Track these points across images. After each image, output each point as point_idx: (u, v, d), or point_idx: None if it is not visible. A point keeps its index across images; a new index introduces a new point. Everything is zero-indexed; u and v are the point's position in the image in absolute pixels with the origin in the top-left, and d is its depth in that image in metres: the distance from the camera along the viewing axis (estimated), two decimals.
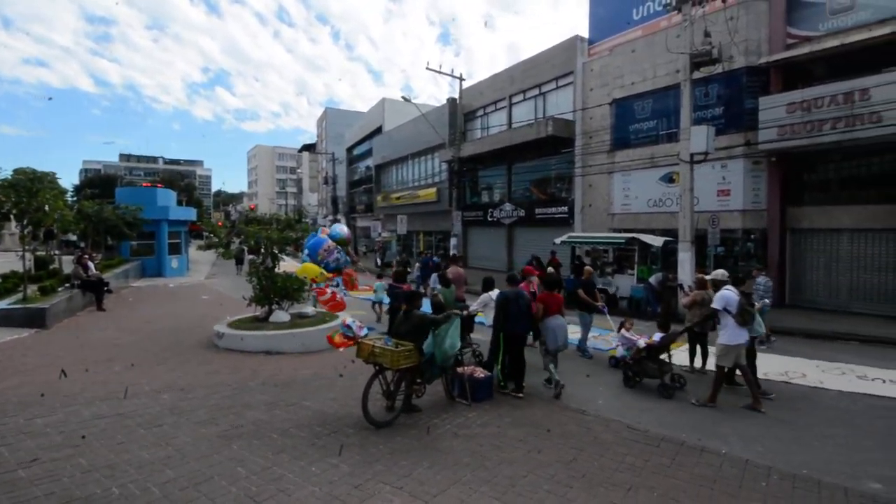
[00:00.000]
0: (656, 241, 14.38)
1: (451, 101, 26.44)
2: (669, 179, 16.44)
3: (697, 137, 12.88)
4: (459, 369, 6.33)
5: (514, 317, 6.57)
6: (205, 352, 9.23)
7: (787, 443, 5.22)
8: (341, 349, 5.93)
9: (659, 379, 6.84)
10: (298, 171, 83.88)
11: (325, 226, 7.84)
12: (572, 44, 20.92)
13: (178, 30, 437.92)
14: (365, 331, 5.73)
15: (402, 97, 23.08)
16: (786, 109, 13.65)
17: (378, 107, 40.44)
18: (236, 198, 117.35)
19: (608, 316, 8.90)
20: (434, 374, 5.91)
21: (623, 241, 14.56)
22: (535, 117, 22.35)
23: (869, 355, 9.27)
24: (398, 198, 33.03)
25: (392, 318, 9.67)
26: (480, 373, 6.42)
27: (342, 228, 7.11)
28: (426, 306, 6.80)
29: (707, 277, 7.61)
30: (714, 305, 6.51)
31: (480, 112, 26.23)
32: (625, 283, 14.35)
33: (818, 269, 14.12)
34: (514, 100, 23.87)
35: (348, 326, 5.69)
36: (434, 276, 10.37)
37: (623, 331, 7.63)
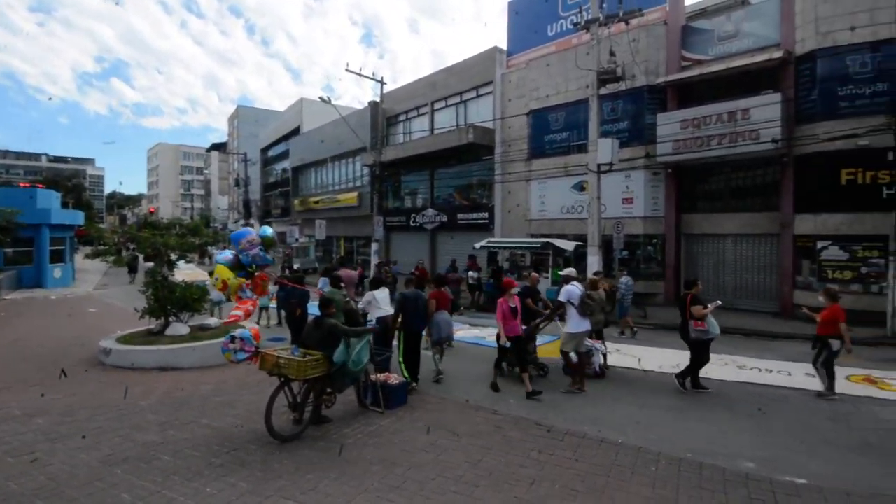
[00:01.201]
0: (569, 245, 15.28)
1: (373, 104, 26.28)
2: (580, 188, 17.52)
3: (603, 149, 13.87)
4: (373, 377, 6.27)
5: (412, 315, 7.27)
6: (89, 370, 8.36)
7: (676, 430, 5.75)
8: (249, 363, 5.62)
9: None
10: (206, 171, 78.84)
11: (237, 228, 7.71)
12: (492, 55, 21.71)
13: (69, 14, 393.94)
14: (247, 338, 5.43)
15: (320, 98, 22.50)
16: (680, 125, 15.16)
17: (296, 106, 39.18)
18: (134, 200, 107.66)
19: (559, 323, 9.15)
20: (345, 383, 5.80)
21: (538, 245, 15.30)
22: (456, 124, 22.86)
23: (749, 347, 10.49)
24: (317, 202, 32.16)
25: (290, 325, 9.40)
26: (395, 379, 6.41)
27: (271, 231, 7.11)
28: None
29: (561, 274, 8.28)
30: (560, 298, 7.45)
31: (403, 117, 26.33)
32: (541, 287, 14.99)
33: (708, 270, 15.76)
34: (437, 106, 24.24)
35: (238, 341, 5.37)
36: (323, 278, 10.26)
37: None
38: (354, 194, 28.23)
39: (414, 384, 7.10)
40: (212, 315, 10.30)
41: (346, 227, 29.82)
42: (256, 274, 6.62)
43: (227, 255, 6.60)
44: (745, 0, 17.09)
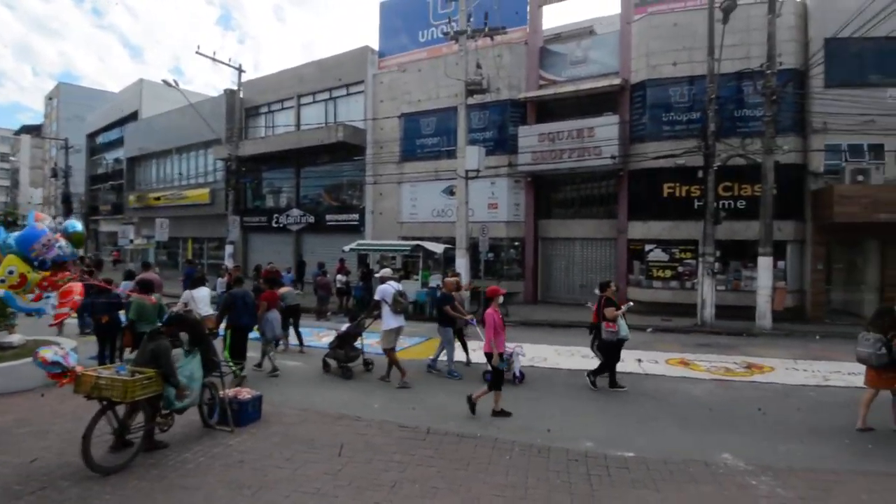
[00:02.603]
0: (438, 248, 15.79)
1: (230, 92, 24.32)
2: (450, 192, 18.18)
3: (471, 156, 14.64)
4: (220, 393, 5.75)
5: (240, 311, 7.70)
6: None
7: (530, 419, 6.25)
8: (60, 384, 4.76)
9: (345, 363, 8.20)
10: (14, 158, 65.73)
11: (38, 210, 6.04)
12: (363, 54, 21.57)
13: None
14: (73, 359, 4.69)
15: (165, 81, 20.12)
16: (537, 139, 16.66)
17: (134, 88, 34.61)
18: None
19: (478, 327, 8.97)
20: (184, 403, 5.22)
21: (409, 248, 15.55)
22: (325, 121, 22.23)
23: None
24: (158, 198, 28.74)
25: (98, 335, 8.28)
26: (247, 393, 5.94)
27: (79, 224, 5.91)
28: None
29: (377, 275, 8.78)
30: (376, 297, 8.07)
31: (265, 109, 24.89)
32: (411, 288, 15.23)
33: (561, 271, 17.57)
34: (304, 101, 23.35)
35: (61, 351, 4.61)
36: (126, 282, 9.46)
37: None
38: (206, 191, 25.79)
39: (244, 376, 7.30)
40: (10, 332, 8.50)
41: (196, 228, 27.18)
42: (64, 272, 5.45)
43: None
44: (592, 30, 19.44)
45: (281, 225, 23.05)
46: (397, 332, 7.87)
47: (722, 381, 8.18)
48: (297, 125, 23.15)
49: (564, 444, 5.37)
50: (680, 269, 15.06)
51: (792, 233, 14.26)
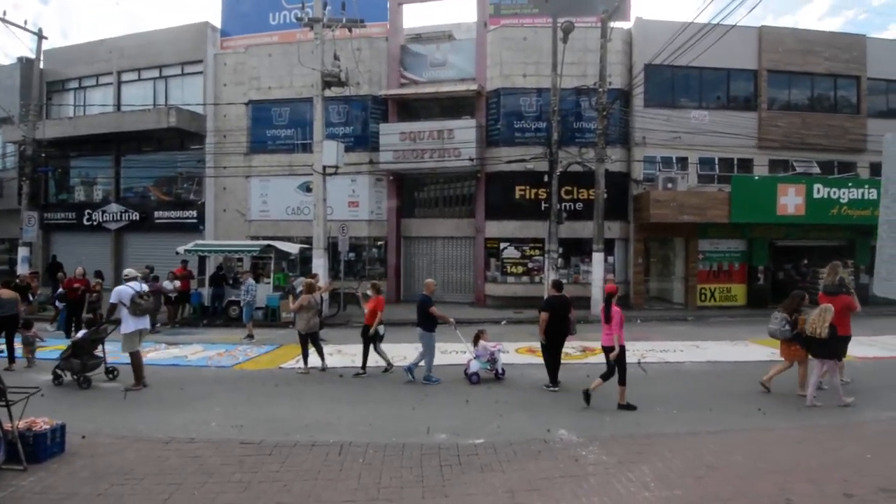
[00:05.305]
0: (293, 248, 15.11)
1: (26, 61, 20.37)
2: (307, 188, 17.47)
3: (328, 151, 14.26)
4: (7, 425, 4.77)
5: None
6: None
7: (386, 419, 6.32)
8: None
9: (81, 374, 7.75)
10: None
11: None
12: (202, 30, 19.73)
13: None
14: None
15: None
16: (399, 137, 16.91)
17: None
18: None
19: (457, 330, 8.82)
20: None
21: (258, 248, 14.59)
22: (154, 103, 19.85)
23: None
24: None
25: None
26: (43, 423, 5.01)
27: None
28: None
29: (124, 275, 8.58)
30: (111, 300, 7.84)
31: (74, 84, 21.41)
32: (261, 292, 14.33)
33: (423, 269, 18.05)
34: (126, 77, 20.59)
35: None
36: None
37: (482, 341, 8.02)
38: None
39: None
40: None
41: None
42: None
43: None
44: (451, 35, 20.32)
45: (95, 222, 20.00)
46: (140, 334, 7.81)
47: (562, 365, 9.14)
48: (118, 105, 20.27)
49: (418, 439, 5.54)
50: (530, 265, 16.56)
51: (619, 231, 16.61)
